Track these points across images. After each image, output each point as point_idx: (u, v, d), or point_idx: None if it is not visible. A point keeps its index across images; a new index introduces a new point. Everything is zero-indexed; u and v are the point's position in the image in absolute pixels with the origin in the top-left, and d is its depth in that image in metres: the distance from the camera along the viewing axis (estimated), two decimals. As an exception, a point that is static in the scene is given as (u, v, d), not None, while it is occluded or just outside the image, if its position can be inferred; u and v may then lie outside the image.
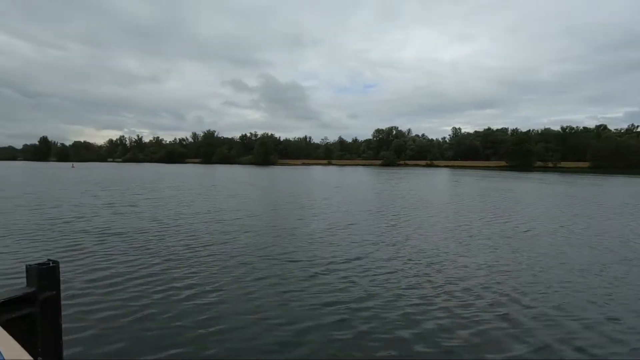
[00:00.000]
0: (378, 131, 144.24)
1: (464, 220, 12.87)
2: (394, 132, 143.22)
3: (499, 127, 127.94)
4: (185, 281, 5.95)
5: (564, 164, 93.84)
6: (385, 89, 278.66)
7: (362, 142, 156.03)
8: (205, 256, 7.57)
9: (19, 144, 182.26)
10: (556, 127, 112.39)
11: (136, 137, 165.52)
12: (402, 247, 8.73)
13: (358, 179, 41.13)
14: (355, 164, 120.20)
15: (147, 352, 3.79)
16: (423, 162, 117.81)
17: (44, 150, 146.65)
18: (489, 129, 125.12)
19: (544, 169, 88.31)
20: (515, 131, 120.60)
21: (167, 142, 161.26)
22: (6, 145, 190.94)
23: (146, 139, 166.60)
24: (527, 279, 6.45)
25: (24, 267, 2.02)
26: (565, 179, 45.87)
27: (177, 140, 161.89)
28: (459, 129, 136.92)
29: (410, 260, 7.57)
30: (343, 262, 7.27)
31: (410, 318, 4.74)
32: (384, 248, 8.55)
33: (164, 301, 5.10)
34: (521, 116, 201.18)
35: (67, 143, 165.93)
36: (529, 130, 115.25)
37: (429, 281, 6.23)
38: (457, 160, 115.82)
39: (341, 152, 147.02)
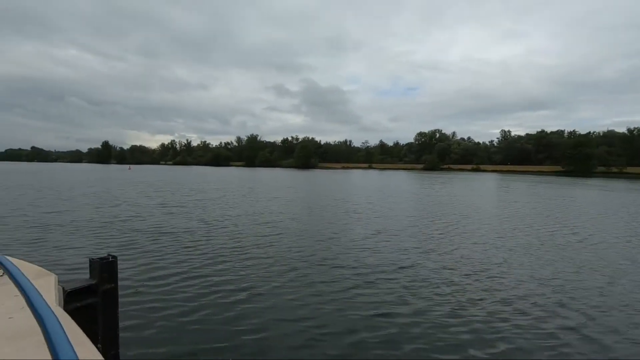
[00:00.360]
0: (420, 134, 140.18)
1: (522, 229, 11.89)
2: (437, 135, 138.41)
3: (554, 129, 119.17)
4: (236, 284, 5.92)
5: (630, 169, 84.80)
6: (428, 91, 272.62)
7: (403, 146, 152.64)
8: (253, 258, 7.55)
9: (84, 148, 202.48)
10: (621, 129, 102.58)
11: (185, 141, 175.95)
12: (455, 256, 8.16)
13: (400, 183, 40.04)
14: (396, 168, 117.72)
15: (204, 354, 3.73)
16: (469, 167, 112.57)
17: (105, 154, 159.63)
18: (543, 131, 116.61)
19: (606, 175, 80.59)
20: (572, 133, 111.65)
21: (213, 146, 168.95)
22: (74, 149, 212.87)
23: (194, 143, 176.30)
24: (610, 299, 5.67)
25: (87, 260, 2.18)
26: (634, 186, 41.46)
27: (223, 144, 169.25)
28: (509, 131, 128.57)
29: (467, 271, 7.01)
30: (394, 271, 6.88)
31: (480, 336, 4.29)
32: (436, 257, 8.04)
33: (218, 303, 5.06)
34: (579, 117, 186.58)
35: (125, 147, 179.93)
36: (589, 132, 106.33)
37: (493, 296, 5.69)
38: (507, 164, 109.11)
39: (382, 156, 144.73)
